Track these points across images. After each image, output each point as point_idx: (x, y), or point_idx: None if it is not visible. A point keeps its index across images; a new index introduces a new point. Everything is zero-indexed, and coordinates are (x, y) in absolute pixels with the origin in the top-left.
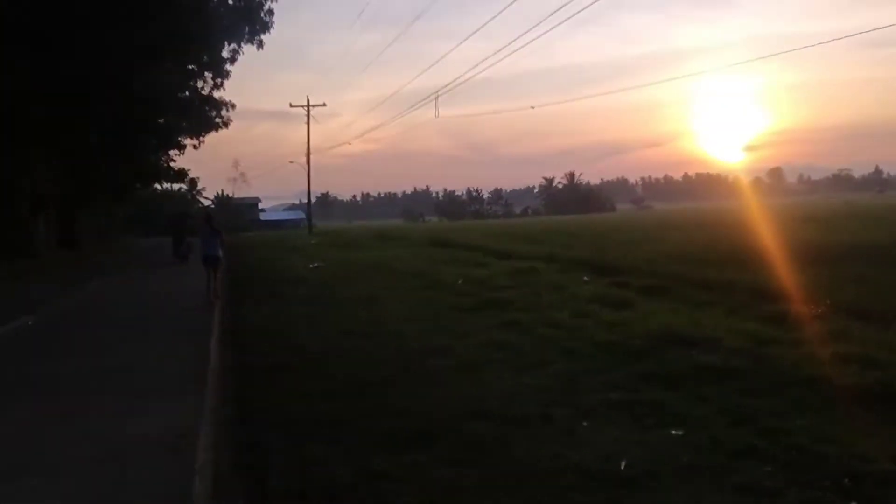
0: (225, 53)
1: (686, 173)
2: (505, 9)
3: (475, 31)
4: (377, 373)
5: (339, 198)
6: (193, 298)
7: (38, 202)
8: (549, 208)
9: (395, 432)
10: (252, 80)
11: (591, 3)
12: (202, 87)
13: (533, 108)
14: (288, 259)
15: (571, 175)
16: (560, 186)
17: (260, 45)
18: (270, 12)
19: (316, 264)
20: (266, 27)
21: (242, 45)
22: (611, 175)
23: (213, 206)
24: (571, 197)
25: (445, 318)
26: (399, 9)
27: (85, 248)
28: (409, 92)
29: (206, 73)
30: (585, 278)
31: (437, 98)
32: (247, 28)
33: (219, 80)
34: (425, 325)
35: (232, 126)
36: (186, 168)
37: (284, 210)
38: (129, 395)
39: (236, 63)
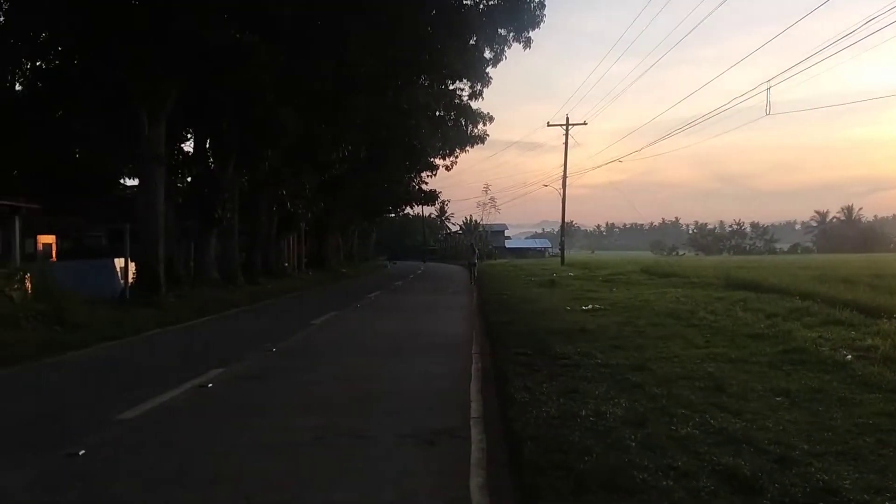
0: (487, 54)
1: None
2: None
3: (742, 59)
4: None
5: (582, 227)
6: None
7: (287, 221)
8: (822, 245)
9: None
10: (495, 110)
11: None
12: (459, 96)
13: None
14: (549, 296)
15: (849, 209)
16: (835, 221)
17: (528, 43)
18: (541, 5)
19: (590, 306)
20: (535, 21)
21: (506, 47)
22: (883, 211)
23: (460, 232)
24: (848, 233)
25: None
26: (645, 40)
27: (334, 269)
28: (657, 123)
29: (463, 80)
30: None
31: (768, 89)
32: (513, 26)
33: (478, 87)
34: None
35: (475, 154)
36: (437, 190)
37: (527, 238)
38: None
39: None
